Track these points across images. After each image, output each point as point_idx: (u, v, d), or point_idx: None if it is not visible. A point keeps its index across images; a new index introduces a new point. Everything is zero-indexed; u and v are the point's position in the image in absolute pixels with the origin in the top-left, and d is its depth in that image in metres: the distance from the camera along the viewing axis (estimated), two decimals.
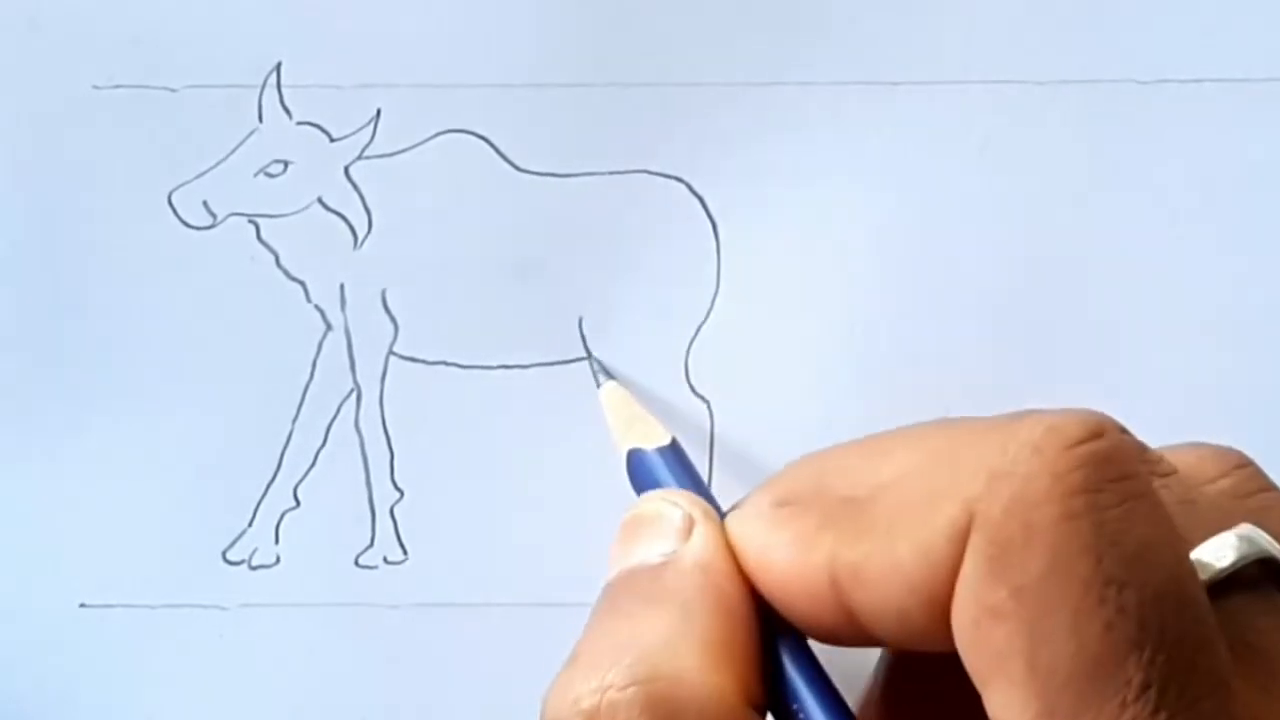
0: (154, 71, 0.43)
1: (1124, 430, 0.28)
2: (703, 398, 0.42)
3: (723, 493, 0.42)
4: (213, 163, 0.43)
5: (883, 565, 0.28)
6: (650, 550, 0.32)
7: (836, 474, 0.31)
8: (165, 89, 0.43)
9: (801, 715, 0.31)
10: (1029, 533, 0.26)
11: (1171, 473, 0.28)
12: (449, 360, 0.42)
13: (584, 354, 0.42)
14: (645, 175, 0.43)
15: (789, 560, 0.30)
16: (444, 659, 0.42)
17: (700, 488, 0.37)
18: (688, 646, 0.30)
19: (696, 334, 0.42)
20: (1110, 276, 0.42)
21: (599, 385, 0.41)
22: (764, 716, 0.31)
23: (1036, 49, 0.42)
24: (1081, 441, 0.26)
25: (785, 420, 0.42)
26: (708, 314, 0.42)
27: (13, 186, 0.43)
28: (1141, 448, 0.28)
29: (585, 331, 0.42)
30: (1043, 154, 0.42)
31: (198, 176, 0.43)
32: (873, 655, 0.35)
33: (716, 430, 0.42)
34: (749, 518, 0.32)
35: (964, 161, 0.42)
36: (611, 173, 0.43)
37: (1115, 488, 0.26)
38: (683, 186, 0.43)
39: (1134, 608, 0.25)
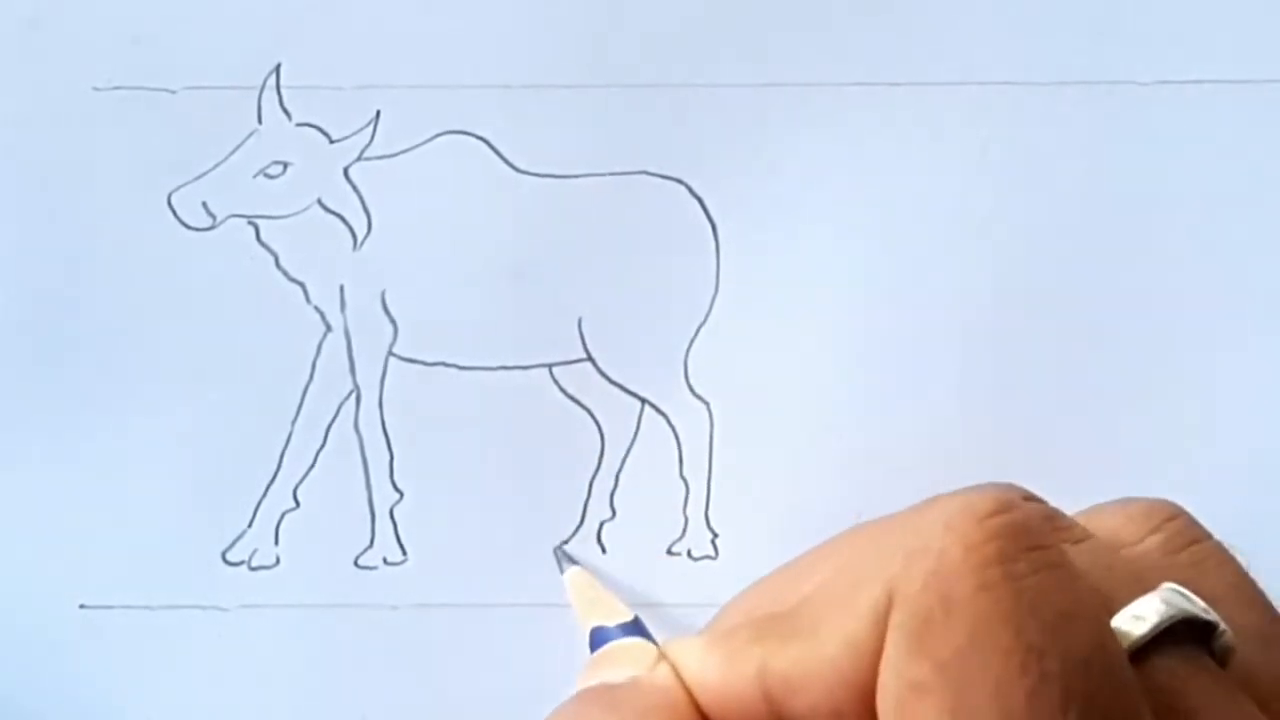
0: (154, 72, 0.43)
1: (1036, 499, 0.28)
2: (702, 399, 0.42)
3: (722, 493, 0.42)
4: (212, 164, 0.43)
5: (811, 666, 0.28)
6: (616, 675, 0.32)
7: (766, 596, 0.31)
8: (165, 90, 0.43)
9: None
10: (948, 606, 0.26)
11: (1085, 538, 0.28)
12: (448, 361, 0.42)
13: (583, 355, 0.42)
14: (645, 176, 0.43)
15: (722, 678, 0.29)
16: (444, 659, 0.42)
17: None
18: None
19: (696, 335, 0.42)
20: (1111, 277, 0.42)
21: (562, 571, 0.42)
22: None
23: (1037, 50, 0.42)
24: (992, 514, 0.27)
25: (785, 420, 0.42)
26: (707, 315, 0.42)
27: (13, 186, 0.43)
28: (1053, 517, 0.28)
29: (585, 332, 0.42)
30: (1043, 155, 0.42)
31: (197, 178, 0.43)
32: None
33: (716, 431, 0.42)
34: (685, 642, 0.31)
35: (964, 162, 0.42)
36: (611, 173, 0.43)
37: (1029, 557, 0.26)
38: (683, 187, 0.43)
39: (1057, 675, 0.25)
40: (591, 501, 0.42)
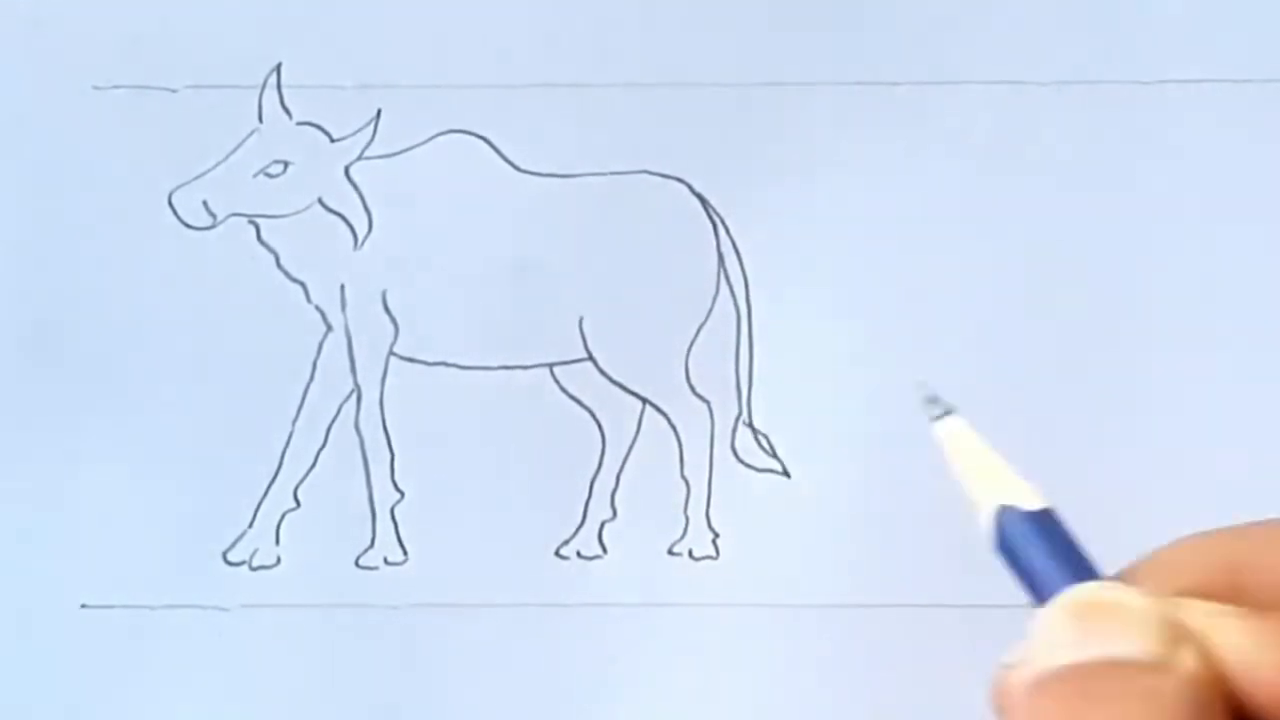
0: (154, 71, 0.43)
1: None
2: (703, 398, 0.42)
3: (723, 493, 0.42)
4: (213, 163, 0.43)
5: None
6: (1120, 646, 0.27)
7: (1254, 567, 0.28)
8: (165, 89, 0.43)
9: None
10: None
11: None
12: (449, 360, 0.42)
13: (584, 354, 0.42)
14: (645, 175, 0.43)
15: None
16: (444, 659, 0.42)
17: (1089, 566, 0.30)
18: None
19: (697, 335, 0.42)
20: (1111, 277, 0.42)
21: (933, 418, 0.31)
22: None
23: (1038, 50, 0.42)
24: None
25: (785, 420, 0.42)
26: (708, 314, 0.42)
27: (13, 186, 0.43)
28: None
29: (586, 332, 0.42)
30: (1044, 154, 0.42)
31: (198, 177, 0.43)
32: None
33: (716, 430, 0.42)
34: (1221, 622, 0.27)
35: (964, 161, 0.42)
36: (612, 173, 0.43)
37: None
38: (683, 187, 0.43)
39: None
40: (592, 501, 0.42)
